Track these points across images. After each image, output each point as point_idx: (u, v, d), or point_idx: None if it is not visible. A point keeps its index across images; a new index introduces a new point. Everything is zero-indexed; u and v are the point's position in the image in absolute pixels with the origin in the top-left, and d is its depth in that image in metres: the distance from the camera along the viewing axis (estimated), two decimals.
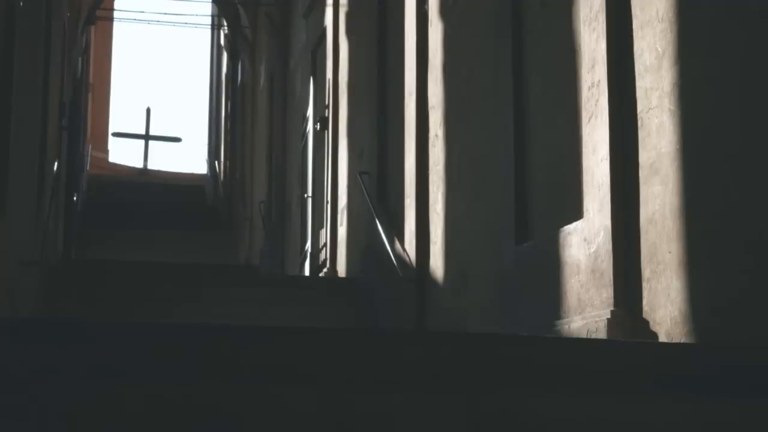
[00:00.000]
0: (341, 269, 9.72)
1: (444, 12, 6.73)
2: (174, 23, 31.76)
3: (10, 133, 5.82)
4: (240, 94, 19.37)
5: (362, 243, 8.79)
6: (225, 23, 20.41)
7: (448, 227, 6.44)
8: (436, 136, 6.75)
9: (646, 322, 3.91)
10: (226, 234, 18.50)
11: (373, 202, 8.27)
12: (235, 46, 19.93)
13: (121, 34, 55.93)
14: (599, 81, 4.33)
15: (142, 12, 37.75)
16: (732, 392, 2.81)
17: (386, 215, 8.03)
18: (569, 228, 4.57)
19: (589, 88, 4.43)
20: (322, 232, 10.68)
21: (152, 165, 27.33)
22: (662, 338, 3.79)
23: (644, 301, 3.94)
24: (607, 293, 4.15)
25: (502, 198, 5.40)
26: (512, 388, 2.73)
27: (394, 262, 7.43)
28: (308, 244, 11.41)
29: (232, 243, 18.09)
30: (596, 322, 4.10)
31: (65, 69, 11.44)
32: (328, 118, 10.48)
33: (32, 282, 7.45)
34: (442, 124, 6.64)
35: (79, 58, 15.14)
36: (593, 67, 4.40)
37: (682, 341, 3.66)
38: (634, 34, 4.15)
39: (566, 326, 4.40)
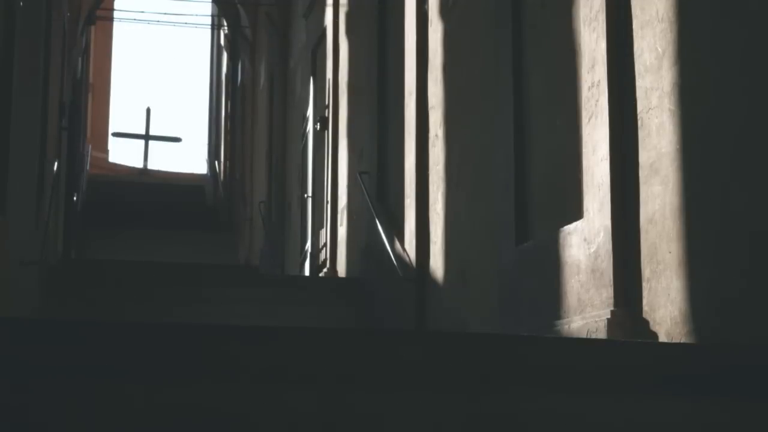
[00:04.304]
0: (341, 269, 9.72)
1: (444, 12, 6.73)
2: (174, 23, 31.77)
3: (10, 133, 5.82)
4: (240, 94, 19.37)
5: (362, 243, 8.79)
6: (225, 23, 20.42)
7: (448, 227, 6.44)
8: (436, 136, 6.75)
9: (646, 322, 3.91)
10: (226, 234, 18.50)
11: (373, 202, 8.27)
12: (235, 46, 19.93)
13: (121, 34, 55.94)
14: (599, 81, 4.33)
15: (142, 12, 37.74)
16: (732, 392, 2.81)
17: (386, 215, 8.03)
18: (569, 228, 4.57)
19: (589, 88, 4.43)
20: (322, 232, 10.69)
21: (152, 165, 27.35)
22: (662, 338, 3.79)
23: (644, 301, 3.94)
24: (607, 293, 4.15)
25: (502, 198, 5.40)
26: (512, 388, 2.73)
27: (394, 262, 7.43)
28: (308, 244, 11.41)
29: (232, 243, 18.09)
30: (596, 322, 4.10)
31: (65, 69, 11.44)
32: (328, 118, 10.48)
33: (32, 282, 7.45)
34: (442, 124, 6.64)
35: (79, 58, 15.14)
36: (593, 67, 4.40)
37: (682, 341, 3.66)
38: (634, 34, 4.15)
39: (566, 326, 4.40)
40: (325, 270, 10.22)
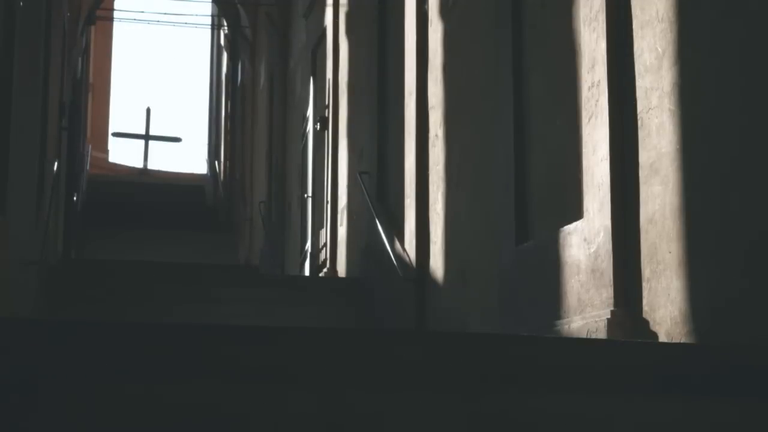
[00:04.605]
0: (341, 269, 9.72)
1: (444, 12, 6.73)
2: (174, 23, 31.77)
3: (10, 133, 5.82)
4: (240, 94, 19.38)
5: (362, 243, 8.79)
6: (225, 23, 20.42)
7: (448, 227, 6.44)
8: (436, 136, 6.75)
9: (646, 322, 3.91)
10: (226, 234, 18.50)
11: (373, 202, 8.27)
12: (235, 46, 19.94)
13: (121, 34, 55.94)
14: (599, 81, 4.33)
15: (142, 12, 37.75)
16: (732, 392, 2.81)
17: (386, 215, 8.03)
18: (569, 228, 4.57)
19: (589, 88, 4.43)
20: (322, 232, 10.68)
21: (152, 165, 27.37)
22: (662, 338, 3.79)
23: (644, 301, 3.94)
24: (607, 293, 4.15)
25: (502, 198, 5.40)
26: (512, 388, 2.73)
27: (394, 262, 7.43)
28: (308, 244, 11.41)
29: (232, 243, 18.09)
30: (596, 322, 4.10)
31: (65, 69, 11.44)
32: (328, 118, 10.48)
33: (32, 282, 7.45)
34: (442, 124, 6.64)
35: (79, 58, 15.14)
36: (593, 67, 4.40)
37: (682, 341, 3.66)
38: (634, 34, 4.15)
39: (566, 326, 4.40)
40: (325, 270, 10.22)
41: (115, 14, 23.91)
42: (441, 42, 6.73)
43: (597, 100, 4.33)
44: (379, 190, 8.41)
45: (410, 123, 7.24)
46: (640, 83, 4.08)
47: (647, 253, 3.94)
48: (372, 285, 8.35)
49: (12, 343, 2.52)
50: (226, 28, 20.61)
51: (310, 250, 11.26)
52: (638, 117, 4.07)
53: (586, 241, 4.38)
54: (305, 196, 11.71)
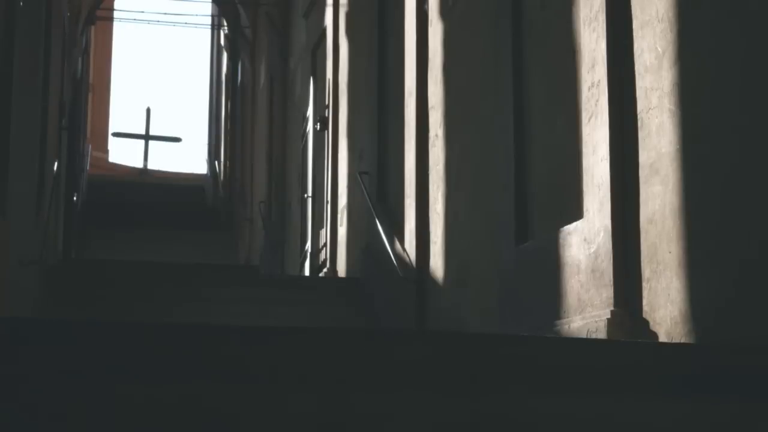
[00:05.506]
0: (341, 269, 9.72)
1: (444, 12, 6.73)
2: (174, 23, 31.71)
3: (10, 133, 5.82)
4: (240, 94, 19.38)
5: (362, 243, 8.79)
6: (225, 23, 20.43)
7: (448, 227, 6.44)
8: (436, 136, 6.75)
9: (646, 322, 3.91)
10: (226, 234, 18.51)
11: (373, 202, 8.27)
12: (235, 46, 19.94)
13: (121, 34, 55.92)
14: (599, 81, 4.33)
15: (142, 12, 37.75)
16: (732, 392, 2.81)
17: (386, 215, 8.03)
18: (569, 228, 4.57)
19: (589, 88, 4.43)
20: (322, 232, 10.69)
21: (152, 165, 27.35)
22: (662, 338, 3.79)
23: (644, 301, 3.94)
24: (607, 293, 4.15)
25: (502, 198, 5.40)
26: (512, 388, 2.73)
27: (394, 262, 7.43)
28: (308, 244, 11.41)
29: (232, 243, 18.09)
30: (596, 322, 4.10)
31: (65, 69, 11.44)
32: (328, 118, 10.48)
33: (32, 282, 7.45)
34: (442, 124, 6.64)
35: (79, 58, 15.13)
36: (593, 67, 4.40)
37: (682, 341, 3.66)
38: (634, 34, 4.15)
39: (566, 326, 4.40)
40: (325, 270, 10.22)
41: (115, 14, 23.92)
42: (441, 42, 6.73)
43: (597, 100, 4.33)
44: (379, 190, 8.41)
45: (410, 123, 7.24)
46: (640, 83, 4.08)
47: (647, 253, 3.94)
48: (372, 285, 8.35)
49: (12, 343, 2.52)
50: (226, 28, 20.62)
51: (310, 250, 11.27)
52: (638, 117, 4.07)
53: (586, 241, 4.37)
54: (305, 196, 11.71)
